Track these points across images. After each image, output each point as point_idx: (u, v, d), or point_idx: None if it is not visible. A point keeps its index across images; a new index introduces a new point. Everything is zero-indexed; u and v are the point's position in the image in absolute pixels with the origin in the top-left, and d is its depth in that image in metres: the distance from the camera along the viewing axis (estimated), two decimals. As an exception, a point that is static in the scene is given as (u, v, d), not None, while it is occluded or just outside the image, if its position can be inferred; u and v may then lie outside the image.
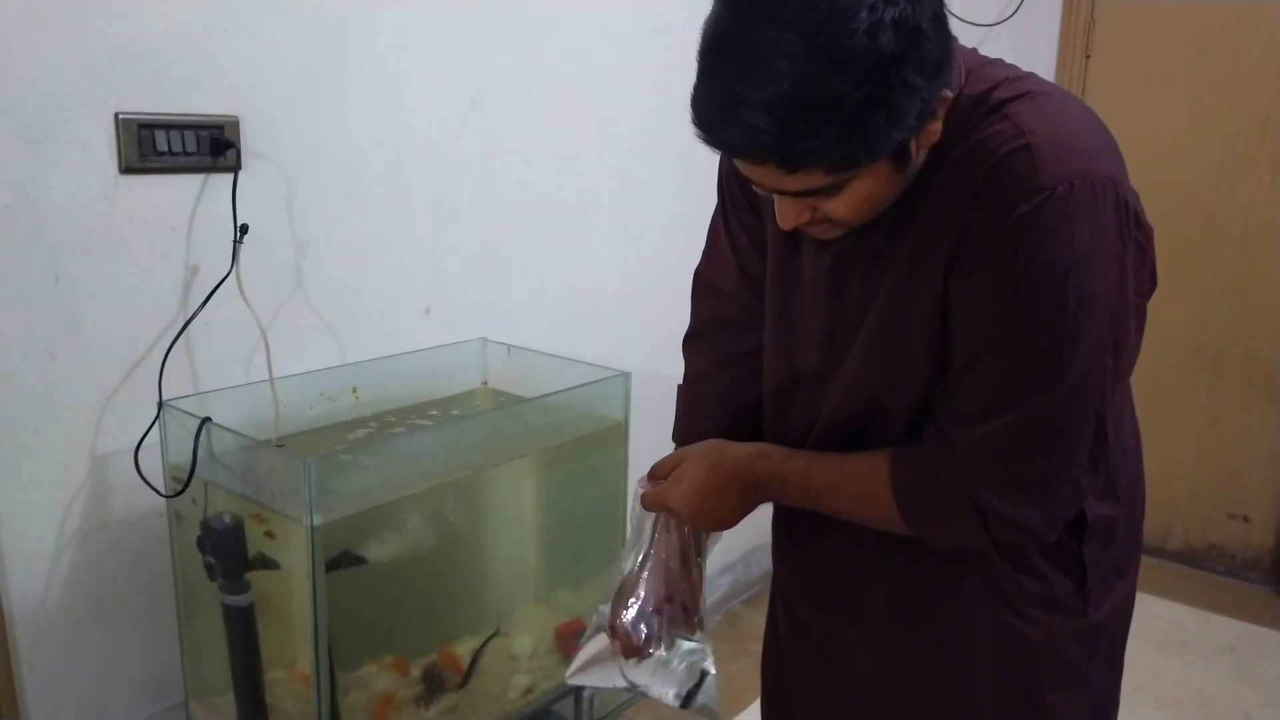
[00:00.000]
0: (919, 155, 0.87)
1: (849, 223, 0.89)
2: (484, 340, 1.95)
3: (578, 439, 1.68)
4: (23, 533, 1.43)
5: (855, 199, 0.85)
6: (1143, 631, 2.68)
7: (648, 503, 1.06)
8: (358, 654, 1.48)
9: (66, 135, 1.39)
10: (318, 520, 1.25)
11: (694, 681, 1.07)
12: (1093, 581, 1.02)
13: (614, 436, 1.68)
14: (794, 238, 1.02)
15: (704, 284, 1.21)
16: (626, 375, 1.68)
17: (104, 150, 1.44)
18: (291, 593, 1.42)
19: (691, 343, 1.24)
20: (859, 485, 0.96)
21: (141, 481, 1.47)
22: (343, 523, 1.33)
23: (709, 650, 1.08)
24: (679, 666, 1.08)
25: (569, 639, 1.76)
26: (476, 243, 1.99)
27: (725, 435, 1.09)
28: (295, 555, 1.37)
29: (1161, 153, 3.06)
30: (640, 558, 1.07)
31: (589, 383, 1.63)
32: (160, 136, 1.48)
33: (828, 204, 0.86)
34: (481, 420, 1.55)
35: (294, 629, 1.42)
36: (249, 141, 1.59)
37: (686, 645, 1.07)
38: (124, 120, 1.44)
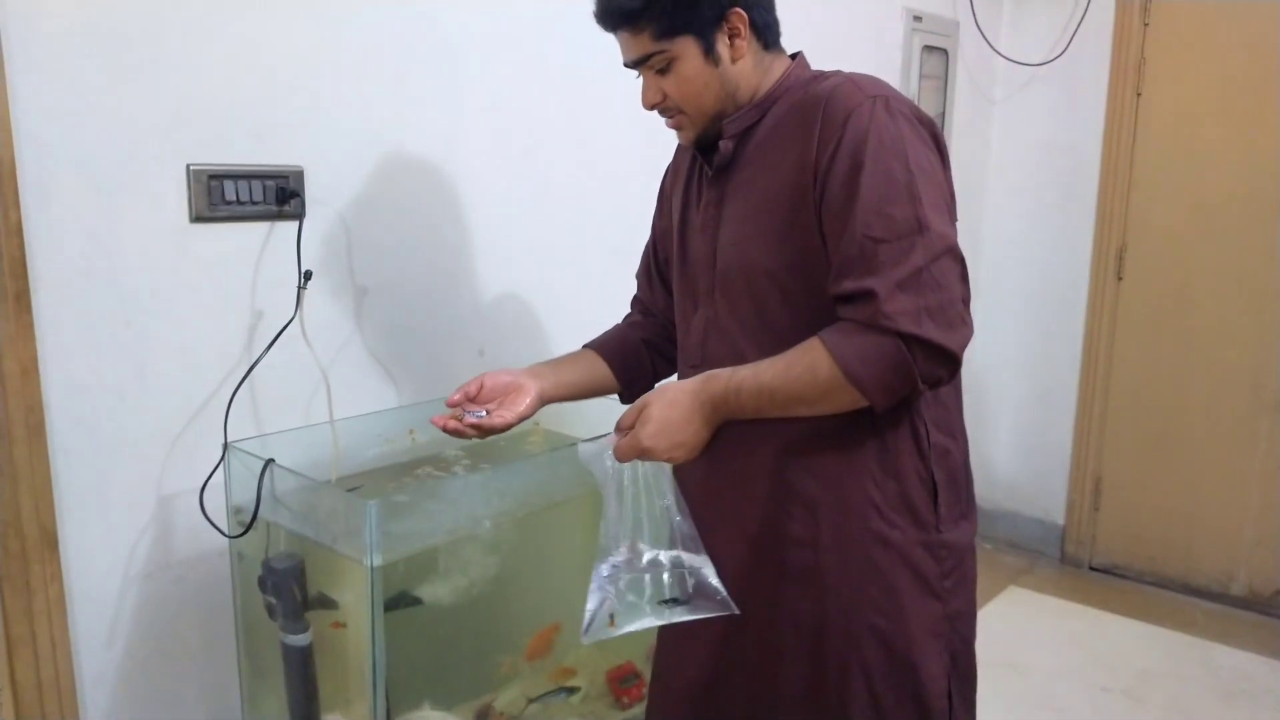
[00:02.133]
0: (734, 64, 1.23)
1: (684, 106, 1.25)
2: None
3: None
4: (90, 571, 1.47)
5: (681, 80, 1.23)
6: (1207, 680, 2.64)
7: (622, 452, 1.17)
8: (413, 695, 1.49)
9: (140, 186, 1.45)
10: (378, 561, 1.27)
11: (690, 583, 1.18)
12: (941, 503, 1.24)
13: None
14: (687, 215, 1.36)
15: (637, 278, 1.60)
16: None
17: (175, 200, 1.49)
18: (350, 633, 1.44)
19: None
20: (803, 364, 1.13)
21: (205, 521, 1.50)
22: (399, 564, 1.35)
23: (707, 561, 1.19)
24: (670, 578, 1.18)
25: (621, 682, 1.75)
26: (529, 286, 2.03)
27: (629, 354, 1.48)
28: (353, 597, 1.39)
29: (1216, 192, 3.02)
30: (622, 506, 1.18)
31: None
32: (229, 186, 1.53)
33: (665, 83, 1.24)
34: (534, 463, 1.56)
35: (351, 670, 1.43)
36: (313, 190, 1.64)
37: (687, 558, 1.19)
38: (195, 171, 1.49)
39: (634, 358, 1.51)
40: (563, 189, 2.06)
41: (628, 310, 1.61)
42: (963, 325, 1.13)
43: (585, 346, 1.53)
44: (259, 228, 1.59)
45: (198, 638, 1.61)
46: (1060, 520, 3.48)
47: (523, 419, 1.37)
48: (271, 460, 1.40)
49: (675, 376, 1.45)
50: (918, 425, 1.23)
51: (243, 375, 1.57)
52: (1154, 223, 3.17)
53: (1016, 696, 2.57)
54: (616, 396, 1.54)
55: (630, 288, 1.62)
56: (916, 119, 1.19)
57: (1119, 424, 3.33)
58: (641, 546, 1.19)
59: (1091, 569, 3.42)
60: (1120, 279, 3.26)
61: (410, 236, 1.81)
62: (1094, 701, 2.57)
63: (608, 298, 2.13)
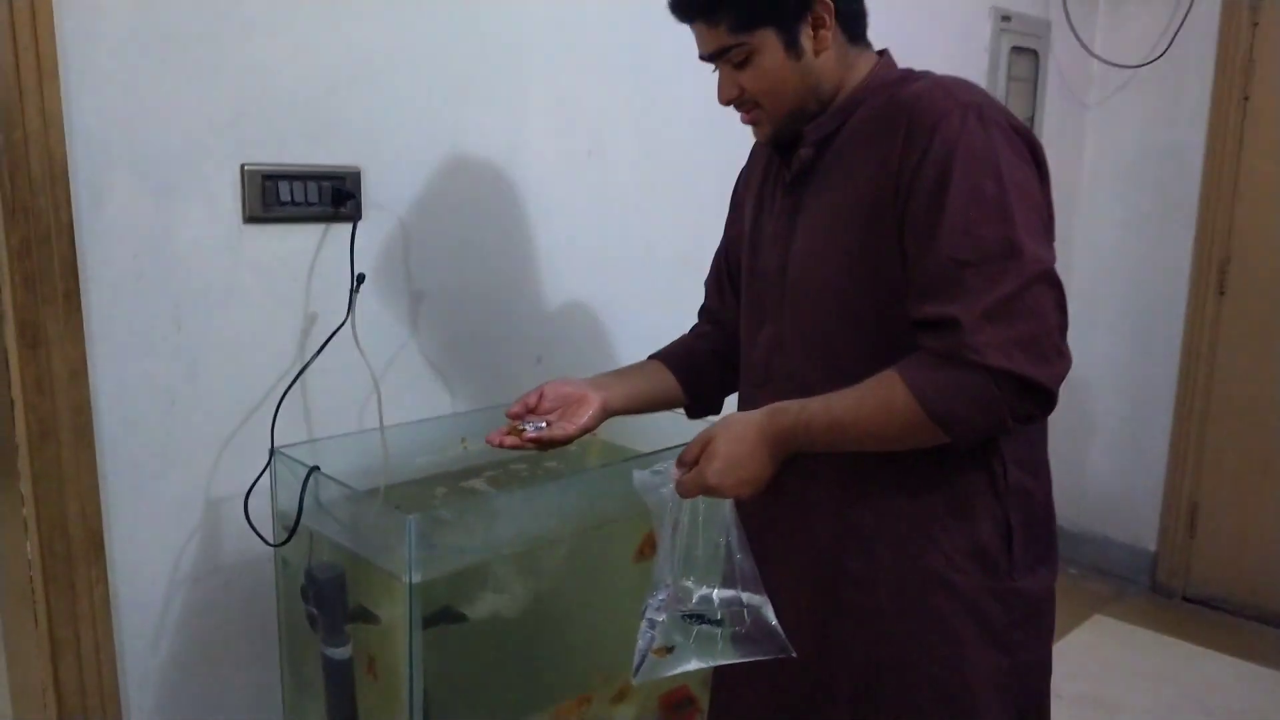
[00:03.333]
0: (817, 58, 1.15)
1: (762, 100, 1.17)
2: (595, 391, 1.91)
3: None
4: (137, 574, 1.46)
5: (760, 75, 1.15)
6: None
7: (685, 489, 1.11)
8: (456, 713, 1.45)
9: (193, 187, 1.43)
10: (417, 578, 1.22)
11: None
12: (1017, 547, 1.14)
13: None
14: (760, 223, 1.28)
15: (706, 287, 1.53)
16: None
17: (229, 201, 1.47)
18: (391, 648, 1.40)
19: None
20: (877, 398, 1.05)
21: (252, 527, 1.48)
22: (442, 580, 1.30)
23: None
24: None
25: (676, 708, 1.68)
26: (590, 293, 1.97)
27: (697, 366, 1.43)
28: (394, 611, 1.35)
29: (1330, 202, 2.82)
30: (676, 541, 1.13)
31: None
32: (284, 187, 1.51)
33: (742, 77, 1.16)
34: (586, 478, 1.50)
35: (392, 685, 1.39)
36: (369, 192, 1.61)
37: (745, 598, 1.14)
38: (249, 171, 1.47)
39: (702, 370, 1.44)
40: (628, 193, 2.00)
41: (695, 321, 1.54)
42: (1059, 358, 1.03)
43: (651, 357, 1.47)
44: (314, 229, 1.57)
45: (243, 644, 1.59)
46: (1152, 547, 3.29)
47: (585, 432, 1.31)
48: (315, 468, 1.36)
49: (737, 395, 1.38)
50: (994, 464, 1.14)
51: (293, 379, 1.54)
52: (1261, 235, 2.97)
53: (1100, 735, 2.42)
54: (683, 410, 1.47)
55: (698, 296, 1.54)
56: (1013, 129, 1.09)
57: (1219, 446, 3.13)
58: (694, 584, 1.15)
59: (1185, 599, 3.22)
60: (1222, 293, 3.07)
61: (469, 240, 1.77)
62: (1185, 744, 2.41)
63: (673, 306, 2.06)
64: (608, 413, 1.35)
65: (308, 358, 1.56)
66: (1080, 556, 3.42)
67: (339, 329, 1.56)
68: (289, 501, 1.43)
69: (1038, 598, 1.18)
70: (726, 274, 1.46)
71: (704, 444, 1.12)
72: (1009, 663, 1.16)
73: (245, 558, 1.56)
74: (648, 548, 1.56)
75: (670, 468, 1.16)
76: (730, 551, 1.13)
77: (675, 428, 1.62)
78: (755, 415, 1.13)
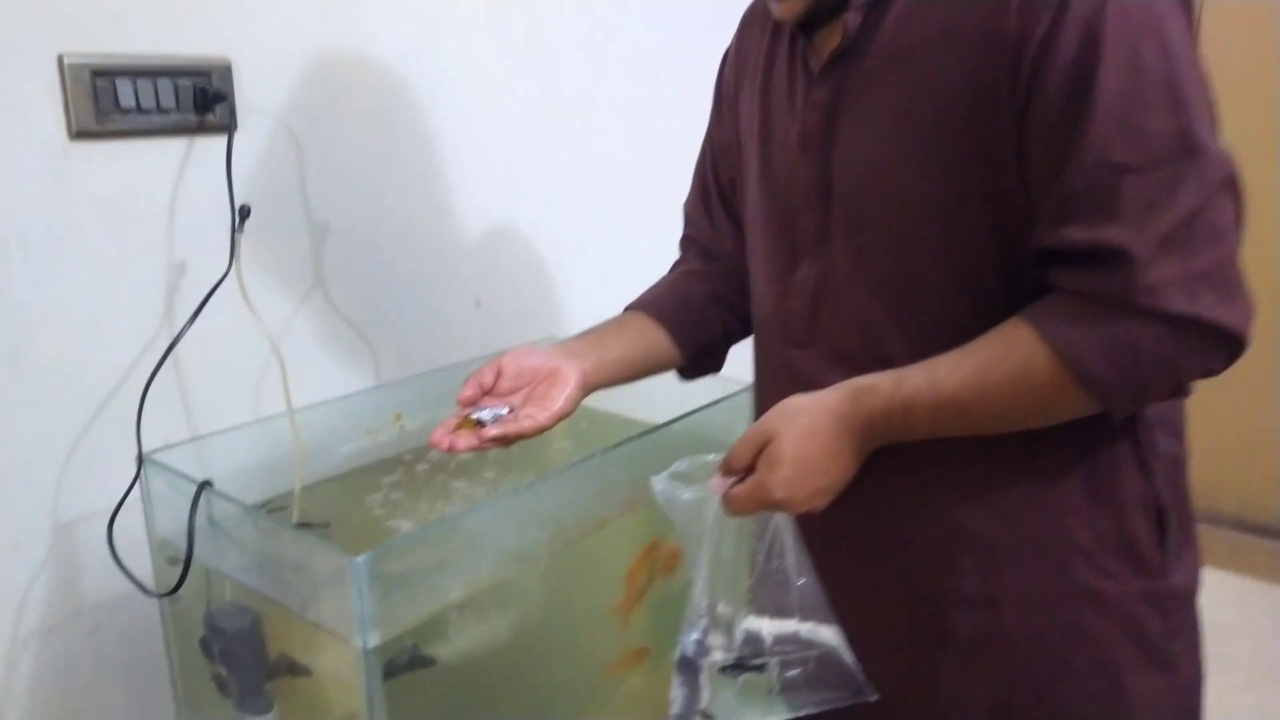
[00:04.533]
0: None
1: None
2: (553, 340, 1.56)
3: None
4: (-40, 639, 1.06)
5: None
6: None
7: (741, 505, 0.83)
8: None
9: (-11, 88, 1.00)
10: (373, 639, 0.86)
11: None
12: (1172, 533, 0.89)
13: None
14: (770, 124, 0.97)
15: (684, 212, 1.19)
16: (750, 387, 1.29)
17: (46, 109, 1.06)
18: (332, 707, 1.04)
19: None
20: (1007, 364, 0.80)
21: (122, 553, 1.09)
22: (406, 634, 0.94)
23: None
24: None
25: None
26: (534, 217, 1.60)
27: (692, 316, 1.08)
28: (336, 662, 0.99)
29: None
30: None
31: (706, 405, 1.23)
32: (124, 88, 1.10)
33: None
34: (583, 469, 1.12)
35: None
36: (245, 93, 1.21)
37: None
38: (72, 66, 1.06)
39: (699, 320, 1.10)
40: (574, 89, 1.62)
41: (674, 255, 1.19)
42: (1243, 293, 0.77)
43: (630, 309, 1.11)
44: (171, 146, 1.16)
45: (128, 702, 1.21)
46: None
47: (561, 418, 0.95)
48: (207, 484, 0.98)
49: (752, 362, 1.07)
50: (1139, 430, 0.87)
51: (162, 354, 1.14)
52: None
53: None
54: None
55: (667, 220, 1.20)
56: None
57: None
58: (736, 616, 0.90)
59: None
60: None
61: (381, 155, 1.38)
62: None
63: (637, 232, 1.71)
64: (587, 389, 1.00)
65: (179, 324, 1.16)
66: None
67: (220, 283, 1.16)
68: (171, 524, 1.04)
69: (1189, 593, 0.93)
70: (717, 194, 1.12)
71: (759, 443, 0.82)
72: (1171, 683, 0.91)
73: (117, 592, 1.17)
74: (655, 560, 1.22)
75: (702, 466, 0.88)
76: (787, 576, 0.87)
77: (661, 386, 1.29)
78: (828, 399, 0.84)
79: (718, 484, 0.85)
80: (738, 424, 1.30)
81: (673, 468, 0.89)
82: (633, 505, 1.16)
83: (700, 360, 1.13)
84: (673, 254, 1.20)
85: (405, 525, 1.18)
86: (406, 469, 1.31)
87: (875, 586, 0.94)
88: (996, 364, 0.79)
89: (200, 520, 1.01)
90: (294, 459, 1.17)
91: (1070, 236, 0.76)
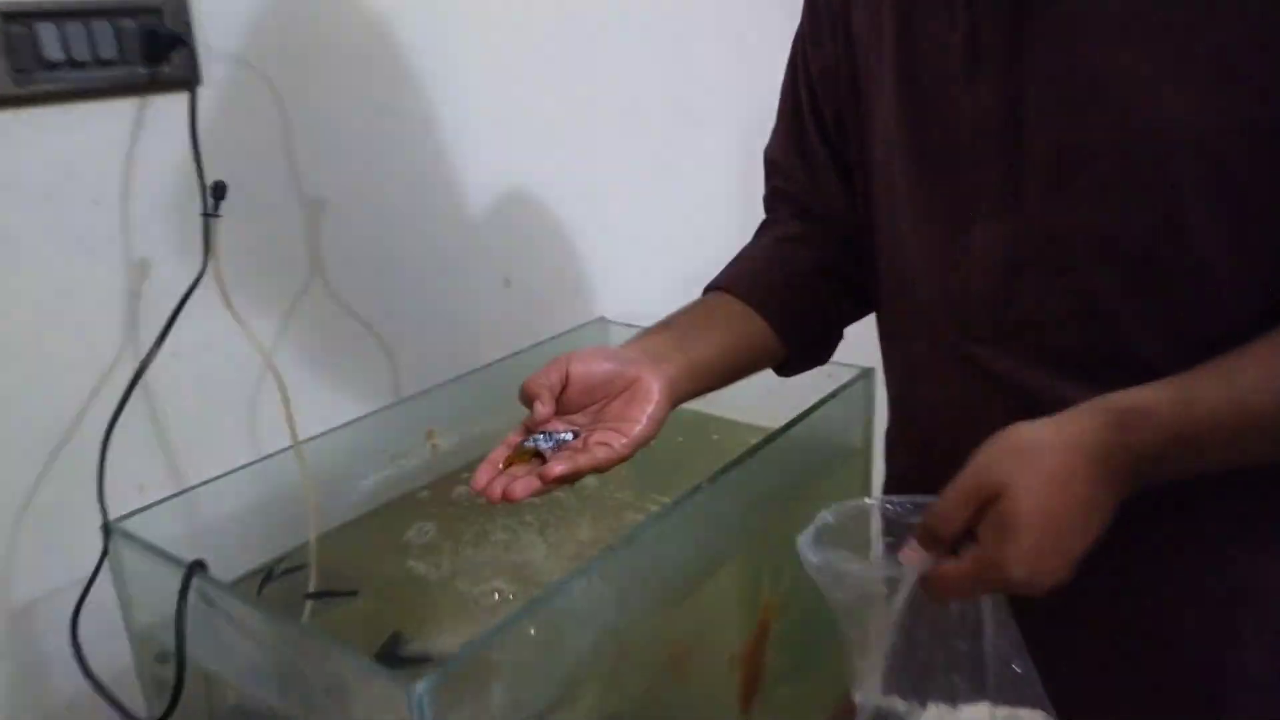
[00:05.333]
0: None
1: None
2: (604, 321, 1.30)
3: (805, 493, 1.01)
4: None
5: None
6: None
7: (958, 588, 0.62)
8: None
9: None
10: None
11: None
12: None
13: (852, 473, 1.05)
14: (910, 33, 0.72)
15: (767, 161, 0.94)
16: (869, 373, 1.04)
17: (-60, 67, 0.78)
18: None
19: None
20: None
21: (87, 634, 0.85)
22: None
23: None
24: None
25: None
26: (568, 178, 1.33)
27: (796, 296, 0.84)
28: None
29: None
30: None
31: (825, 399, 0.98)
32: (48, 35, 0.84)
33: None
34: (683, 512, 0.85)
35: None
36: (206, 36, 0.94)
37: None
38: (-27, 8, 0.79)
39: (807, 302, 0.85)
40: (606, 30, 1.34)
41: (758, 214, 0.93)
42: None
43: (713, 288, 0.85)
44: (117, 110, 0.90)
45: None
46: None
47: (642, 445, 0.70)
48: (198, 564, 0.72)
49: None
50: None
51: (128, 383, 0.88)
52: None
53: None
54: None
55: (728, 170, 0.93)
56: None
57: None
58: (915, 705, 0.71)
59: None
60: None
61: (386, 109, 1.11)
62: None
63: (692, 184, 1.44)
64: (675, 402, 0.74)
65: (146, 343, 0.91)
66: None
67: (194, 285, 0.90)
68: (154, 609, 0.79)
69: None
70: (818, 133, 0.86)
71: (981, 498, 0.59)
72: None
73: (82, 689, 0.92)
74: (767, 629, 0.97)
75: (856, 514, 0.68)
76: (994, 659, 0.67)
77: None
78: (1075, 429, 0.61)
79: (915, 557, 0.63)
80: (854, 423, 1.06)
81: (817, 520, 0.67)
82: (747, 542, 0.91)
83: (807, 353, 0.88)
84: (744, 212, 0.95)
85: (450, 580, 0.93)
86: (439, 499, 1.06)
87: (1113, 660, 0.71)
88: None
89: (192, 596, 0.76)
90: (305, 501, 0.92)
91: None
